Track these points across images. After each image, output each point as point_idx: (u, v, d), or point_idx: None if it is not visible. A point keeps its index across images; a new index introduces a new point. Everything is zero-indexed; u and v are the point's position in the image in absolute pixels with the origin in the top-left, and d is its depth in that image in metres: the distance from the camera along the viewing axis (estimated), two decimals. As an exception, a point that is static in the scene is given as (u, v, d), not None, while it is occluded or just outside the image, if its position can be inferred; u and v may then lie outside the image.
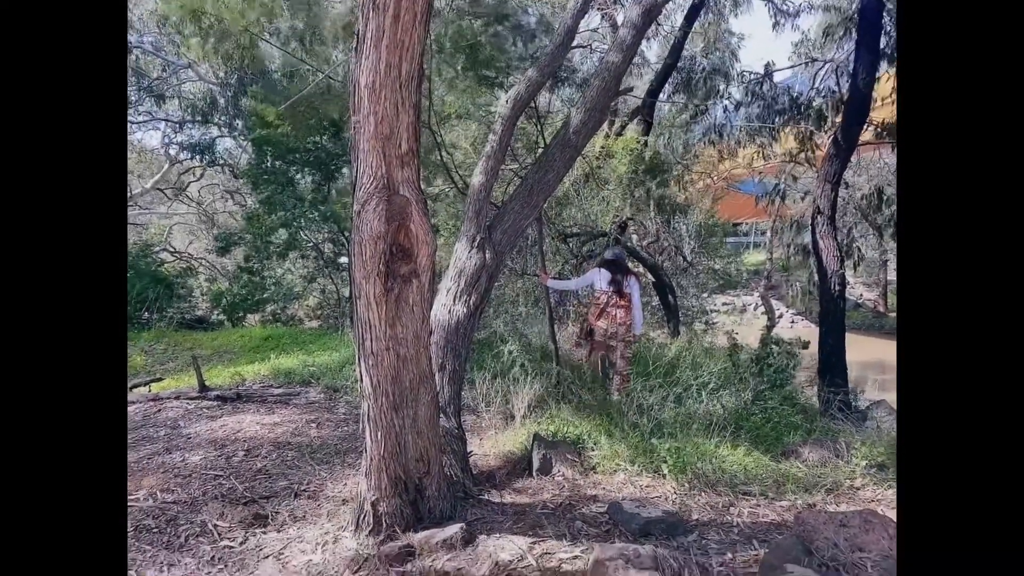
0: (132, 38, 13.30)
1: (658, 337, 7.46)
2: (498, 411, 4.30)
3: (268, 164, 10.34)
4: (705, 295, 10.37)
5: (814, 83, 10.03)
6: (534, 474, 3.22)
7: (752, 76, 9.80)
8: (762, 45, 33.30)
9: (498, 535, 2.44)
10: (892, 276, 16.94)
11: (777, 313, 15.51)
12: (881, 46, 6.75)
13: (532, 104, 4.64)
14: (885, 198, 11.26)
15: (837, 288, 6.24)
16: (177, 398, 4.80)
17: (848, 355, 6.26)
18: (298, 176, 10.63)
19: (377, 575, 2.18)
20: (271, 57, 10.70)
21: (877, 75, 6.68)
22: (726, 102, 9.92)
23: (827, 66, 9.96)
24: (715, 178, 11.61)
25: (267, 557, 2.38)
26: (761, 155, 10.00)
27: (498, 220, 3.69)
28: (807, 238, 10.44)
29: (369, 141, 2.16)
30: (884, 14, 6.57)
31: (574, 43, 4.63)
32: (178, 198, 17.13)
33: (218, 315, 11.65)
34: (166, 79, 14.25)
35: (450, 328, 3.38)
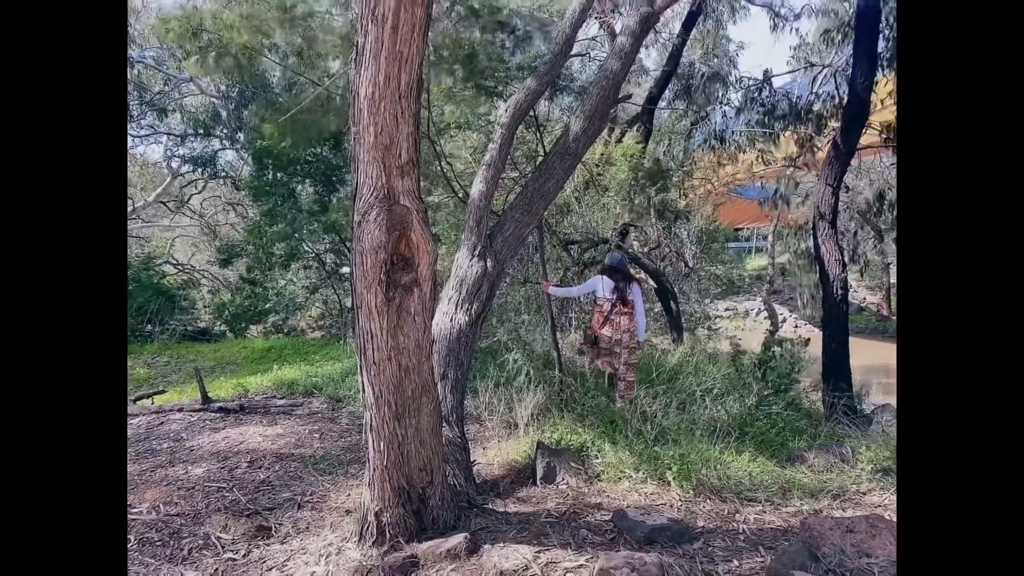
0: (134, 52, 13.40)
1: (661, 343, 7.45)
2: (501, 420, 4.29)
3: (269, 176, 10.40)
4: (707, 301, 10.36)
5: (813, 88, 10.05)
6: (538, 483, 3.21)
7: (751, 82, 9.83)
8: (761, 52, 33.47)
9: (502, 544, 2.42)
10: (895, 279, 16.92)
11: (780, 318, 15.50)
12: (879, 50, 6.77)
13: (531, 113, 4.66)
14: (886, 201, 11.26)
15: (840, 292, 6.22)
16: (180, 410, 4.80)
17: (852, 359, 6.23)
18: (299, 188, 10.68)
19: (381, 586, 2.17)
20: (271, 69, 10.77)
21: (875, 79, 6.69)
22: (725, 108, 9.96)
23: (826, 71, 9.98)
24: (716, 184, 11.63)
25: (271, 569, 2.37)
26: (761, 160, 10.00)
27: (499, 229, 3.70)
28: (809, 242, 10.43)
29: (369, 152, 2.17)
30: (882, 18, 6.59)
31: (572, 51, 4.65)
32: (180, 211, 17.20)
33: (220, 327, 11.68)
34: (168, 93, 14.35)
35: (452, 337, 3.38)
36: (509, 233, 3.69)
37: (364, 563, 2.32)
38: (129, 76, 13.52)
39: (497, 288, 3.98)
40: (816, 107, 9.24)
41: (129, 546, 2.55)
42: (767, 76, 9.61)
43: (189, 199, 16.98)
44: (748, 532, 2.56)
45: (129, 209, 17.50)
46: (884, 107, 8.26)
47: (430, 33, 2.58)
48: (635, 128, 9.32)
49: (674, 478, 3.13)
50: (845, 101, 7.18)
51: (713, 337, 9.35)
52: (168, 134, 15.63)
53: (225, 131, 14.12)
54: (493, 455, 3.70)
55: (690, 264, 9.50)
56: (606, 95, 3.91)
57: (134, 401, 5.41)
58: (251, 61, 7.16)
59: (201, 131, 14.30)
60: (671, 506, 2.90)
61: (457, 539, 2.36)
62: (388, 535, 2.42)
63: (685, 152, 10.09)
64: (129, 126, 14.91)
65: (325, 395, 5.26)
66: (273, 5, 6.33)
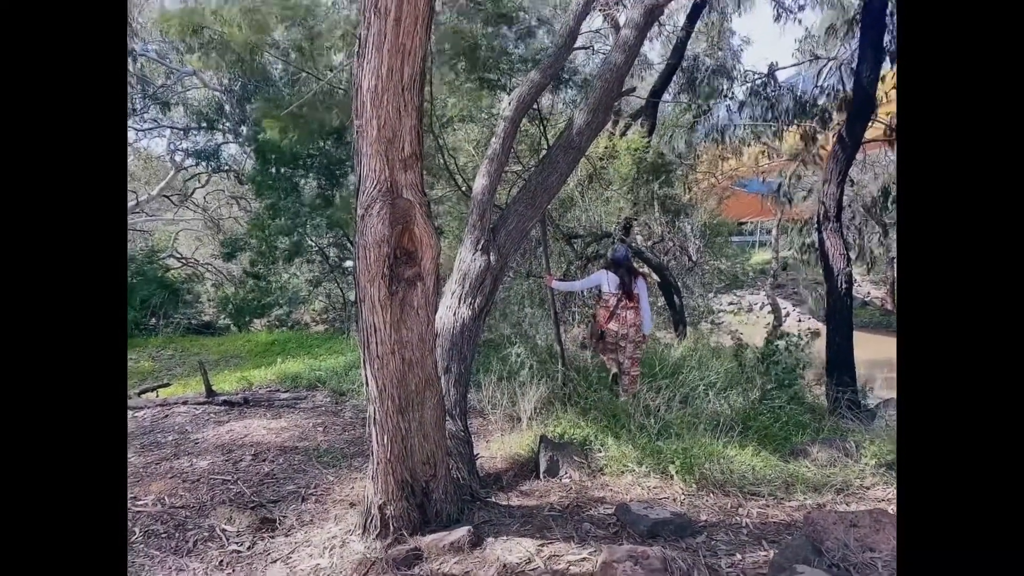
0: (137, 45, 13.38)
1: (664, 338, 7.44)
2: (504, 413, 4.30)
3: (272, 170, 10.40)
4: (711, 295, 10.33)
5: (818, 81, 9.98)
6: (541, 476, 3.21)
7: (756, 75, 9.77)
8: (765, 45, 33.25)
9: (506, 538, 2.43)
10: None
11: (783, 312, 15.47)
12: (885, 43, 6.71)
13: (535, 106, 4.64)
14: (891, 196, 11.20)
15: (844, 286, 6.20)
16: (184, 403, 4.82)
17: (856, 353, 6.22)
18: (302, 182, 10.68)
19: (385, 579, 2.18)
20: (273, 63, 10.75)
21: (881, 72, 6.64)
22: (729, 102, 9.89)
23: (831, 64, 9.91)
24: (719, 178, 11.58)
25: (275, 561, 2.38)
26: (766, 154, 9.96)
27: (502, 222, 3.68)
28: (814, 237, 10.38)
29: (372, 145, 2.16)
30: (888, 11, 6.53)
31: (576, 44, 4.62)
32: (184, 204, 17.21)
33: (224, 320, 11.71)
34: (171, 86, 14.33)
35: (455, 331, 3.38)
36: (512, 227, 3.68)
37: (368, 556, 2.33)
38: (132, 69, 13.50)
39: (500, 282, 3.97)
40: (821, 101, 9.18)
41: (134, 538, 2.56)
42: (772, 69, 9.55)
43: (192, 193, 16.98)
44: (751, 526, 2.56)
45: (133, 203, 17.53)
46: (890, 100, 8.20)
47: (433, 25, 2.56)
48: (639, 122, 9.28)
49: (677, 472, 3.13)
50: (850, 94, 7.13)
51: (716, 331, 9.33)
52: (171, 128, 15.62)
53: (228, 125, 14.11)
54: (496, 449, 3.71)
55: (693, 258, 9.47)
56: (610, 88, 3.88)
57: (139, 394, 5.43)
58: (253, 56, 7.15)
59: (204, 125, 14.29)
60: (674, 500, 2.90)
61: (460, 532, 2.37)
62: (392, 528, 2.43)
63: (689, 146, 10.05)
64: (132, 120, 14.91)
65: (329, 389, 5.27)
66: (273, 2, 6.31)
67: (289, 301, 11.28)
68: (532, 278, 7.29)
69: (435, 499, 2.56)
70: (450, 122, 7.48)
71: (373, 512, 2.46)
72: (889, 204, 11.45)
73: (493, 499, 2.92)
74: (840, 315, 6.25)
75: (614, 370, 4.75)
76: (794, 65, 11.44)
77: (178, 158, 16.62)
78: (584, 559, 2.25)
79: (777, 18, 10.32)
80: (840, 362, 6.08)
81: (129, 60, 13.17)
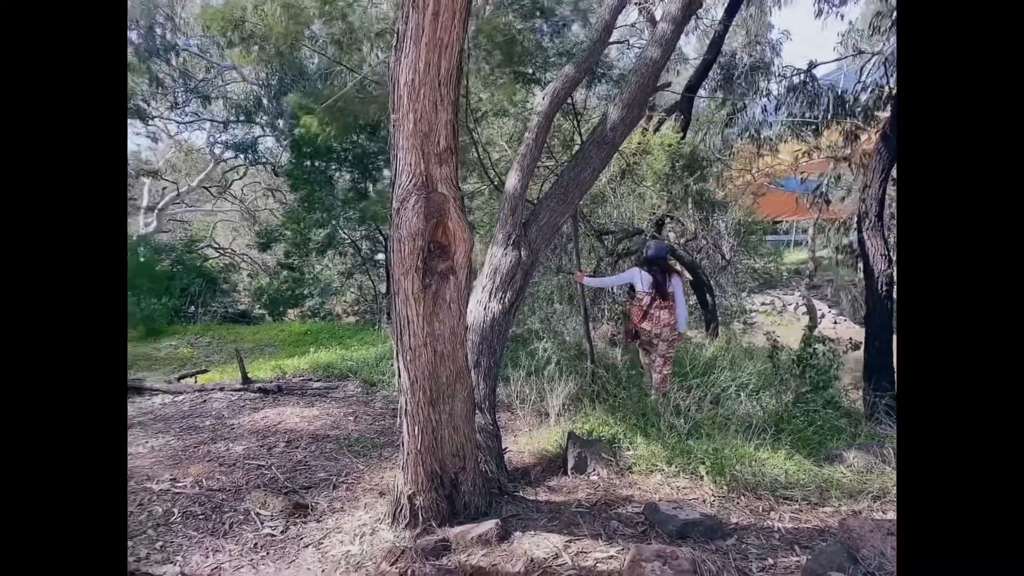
0: (179, 40, 13.76)
1: (695, 337, 7.35)
2: (532, 408, 4.31)
3: (307, 163, 10.58)
4: (744, 294, 10.15)
5: (861, 76, 9.67)
6: (569, 472, 3.21)
7: (795, 71, 9.51)
8: (805, 40, 32.35)
9: (533, 532, 2.44)
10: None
11: (819, 313, 15.10)
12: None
13: (568, 101, 4.61)
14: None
15: (884, 288, 6.00)
16: (221, 390, 4.96)
17: (895, 357, 6.03)
18: (336, 175, 10.84)
19: (414, 568, 2.21)
20: (309, 57, 10.92)
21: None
22: (766, 100, 9.66)
23: (875, 59, 9.59)
24: (755, 175, 11.33)
25: (307, 546, 2.43)
26: (805, 152, 9.70)
27: (533, 217, 3.68)
28: (853, 237, 10.09)
29: (408, 139, 2.18)
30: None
31: (611, 39, 4.57)
32: (222, 195, 17.66)
33: (259, 310, 11.98)
34: (211, 80, 14.68)
35: (485, 325, 3.40)
36: (544, 222, 3.68)
37: (397, 544, 2.37)
38: (174, 63, 13.90)
39: (531, 277, 3.97)
40: (863, 97, 8.89)
41: (173, 518, 2.65)
42: (811, 65, 9.28)
43: (231, 185, 17.41)
44: (783, 531, 2.52)
45: (174, 194, 18.07)
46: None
47: (470, 19, 2.57)
48: (673, 117, 9.15)
49: (707, 473, 3.09)
50: (895, 90, 6.89)
51: (749, 331, 9.17)
52: (211, 121, 16.02)
53: (265, 118, 14.40)
54: (524, 443, 3.72)
55: (727, 256, 9.31)
56: (645, 83, 3.84)
57: (179, 379, 5.61)
58: (292, 50, 7.28)
59: (242, 118, 14.62)
60: (704, 501, 2.87)
61: (488, 525, 2.39)
62: (421, 518, 2.46)
63: (724, 142, 9.86)
64: (174, 113, 15.36)
65: (360, 379, 5.36)
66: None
67: (322, 292, 11.48)
68: (562, 274, 7.27)
69: (464, 491, 2.58)
70: (484, 116, 7.49)
71: (403, 502, 2.49)
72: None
73: (521, 493, 2.93)
74: (880, 318, 6.06)
75: (650, 372, 4.70)
76: (835, 60, 11.09)
77: (217, 150, 17.07)
78: (612, 557, 2.24)
79: (819, 14, 10.02)
80: (879, 366, 5.90)
81: (172, 55, 13.56)
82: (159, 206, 17.68)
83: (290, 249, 11.65)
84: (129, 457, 3.42)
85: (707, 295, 8.34)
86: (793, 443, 3.65)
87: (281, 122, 13.39)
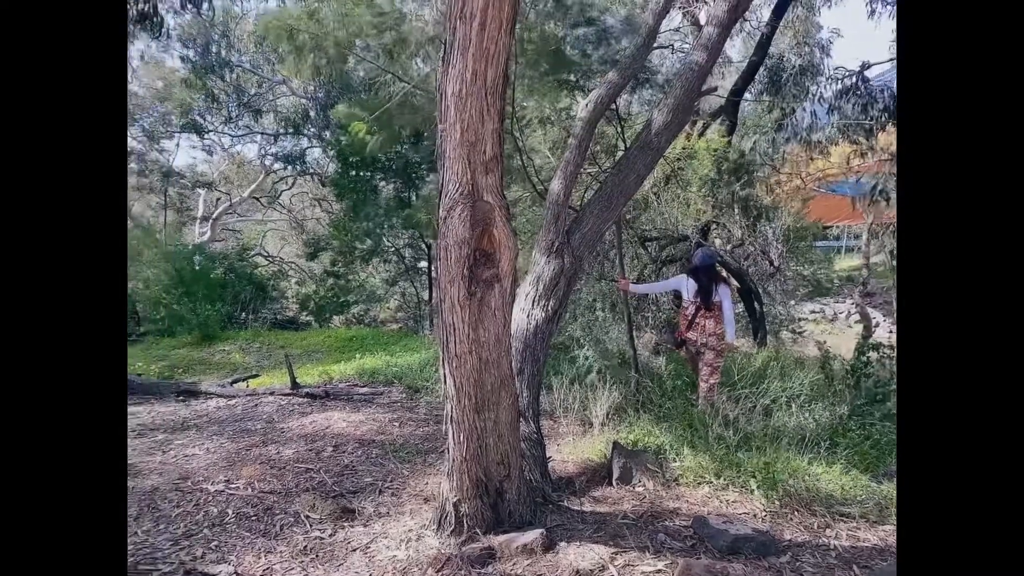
0: (233, 57, 14.37)
1: (743, 346, 7.15)
2: (576, 417, 4.27)
3: (353, 173, 10.85)
4: (793, 302, 9.83)
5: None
6: (614, 483, 3.16)
7: (846, 73, 9.19)
8: (857, 40, 31.21)
9: (578, 543, 2.41)
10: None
11: (874, 322, 14.50)
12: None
13: (612, 106, 4.58)
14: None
15: (945, 296, 5.71)
16: (272, 394, 5.11)
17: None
18: (380, 185, 11.08)
19: (459, 575, 2.21)
20: (354, 70, 11.21)
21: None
22: (816, 104, 9.36)
23: (932, 56, 9.17)
24: (805, 179, 10.99)
25: (355, 550, 2.47)
26: (858, 154, 9.35)
27: (577, 225, 3.66)
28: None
29: (455, 148, 2.21)
30: None
31: (655, 43, 4.53)
32: (272, 206, 18.28)
33: (306, 316, 12.32)
34: (262, 95, 15.26)
35: (528, 333, 3.39)
36: (587, 229, 3.65)
37: (442, 551, 2.38)
38: (228, 79, 14.52)
39: (574, 285, 3.94)
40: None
41: (227, 519, 2.74)
42: (864, 67, 8.96)
43: (280, 195, 18.01)
44: (840, 549, 2.42)
45: (227, 204, 18.79)
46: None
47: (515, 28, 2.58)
48: (718, 121, 8.97)
49: (758, 486, 2.99)
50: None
51: (799, 340, 8.87)
52: (262, 133, 16.66)
53: (313, 130, 14.87)
54: (568, 452, 3.68)
55: (775, 263, 9.04)
56: (691, 88, 3.78)
57: (231, 383, 5.81)
58: (343, 58, 7.47)
59: (291, 130, 15.12)
60: (755, 516, 2.78)
61: (533, 535, 2.37)
62: (466, 526, 2.47)
63: (773, 146, 9.60)
64: (227, 127, 16.03)
65: (404, 385, 5.43)
66: (365, 5, 6.58)
67: (367, 299, 11.73)
68: (604, 280, 7.21)
69: (508, 499, 2.57)
70: (529, 124, 7.52)
71: (448, 509, 2.50)
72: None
73: (565, 503, 2.91)
74: (940, 327, 5.78)
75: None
76: (889, 60, 10.68)
77: (267, 162, 17.68)
78: (659, 571, 2.19)
79: (871, 14, 9.68)
80: (940, 378, 5.62)
81: (226, 71, 14.17)
82: (213, 216, 18.44)
83: (336, 257, 11.96)
84: (185, 458, 3.56)
85: (755, 303, 8.12)
86: (849, 458, 3.50)
87: (328, 133, 13.79)
